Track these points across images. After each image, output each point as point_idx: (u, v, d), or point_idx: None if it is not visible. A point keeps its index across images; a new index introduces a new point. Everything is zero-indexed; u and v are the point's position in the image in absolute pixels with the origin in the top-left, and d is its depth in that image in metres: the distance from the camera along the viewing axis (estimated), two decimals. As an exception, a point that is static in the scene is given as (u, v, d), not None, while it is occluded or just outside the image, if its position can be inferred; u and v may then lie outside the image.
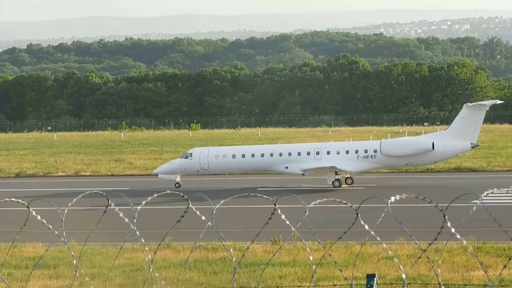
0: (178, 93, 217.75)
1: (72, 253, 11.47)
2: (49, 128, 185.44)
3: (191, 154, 61.44)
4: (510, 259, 11.09)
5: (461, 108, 64.16)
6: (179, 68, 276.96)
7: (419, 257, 12.55)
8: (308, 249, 17.00)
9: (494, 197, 46.18)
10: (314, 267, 20.69)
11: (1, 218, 43.71)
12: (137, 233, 11.07)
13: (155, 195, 12.13)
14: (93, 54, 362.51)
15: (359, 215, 10.03)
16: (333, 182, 58.36)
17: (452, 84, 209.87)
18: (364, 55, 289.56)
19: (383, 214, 10.19)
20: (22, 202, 10.97)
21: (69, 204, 11.78)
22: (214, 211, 10.72)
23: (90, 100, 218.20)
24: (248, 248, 13.17)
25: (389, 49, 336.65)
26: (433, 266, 14.44)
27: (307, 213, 10.20)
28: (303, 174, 59.60)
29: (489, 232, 31.20)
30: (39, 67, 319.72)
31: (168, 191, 11.92)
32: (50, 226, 11.13)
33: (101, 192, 11.44)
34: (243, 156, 60.71)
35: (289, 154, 60.18)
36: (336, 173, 58.41)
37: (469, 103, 61.27)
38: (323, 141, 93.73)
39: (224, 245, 28.44)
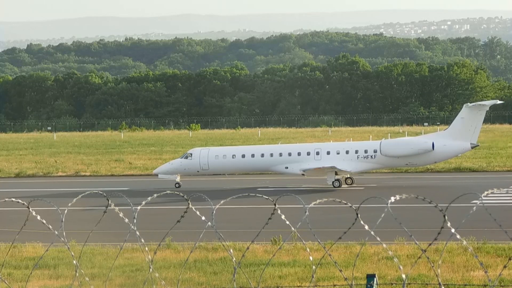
0: (178, 93, 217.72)
1: (72, 253, 11.47)
2: (49, 128, 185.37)
3: (191, 154, 61.42)
4: (510, 259, 11.10)
5: (461, 108, 64.12)
6: (179, 68, 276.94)
7: (419, 257, 12.55)
8: (308, 249, 17.00)
9: (494, 197, 46.16)
10: (314, 267, 20.69)
11: (1, 218, 43.69)
12: (137, 233, 11.07)
13: (155, 195, 12.14)
14: (93, 54, 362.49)
15: (359, 215, 10.03)
16: (333, 182, 58.34)
17: (452, 84, 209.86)
18: (364, 55, 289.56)
19: (383, 214, 10.19)
20: (22, 202, 10.98)
21: (69, 204, 11.79)
22: (214, 211, 10.72)
23: (90, 100, 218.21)
24: (248, 248, 13.18)
25: (389, 49, 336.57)
26: (433, 266, 14.43)
27: (307, 213, 10.20)
28: (303, 174, 59.58)
29: (489, 232, 31.19)
30: (39, 67, 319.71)
31: (168, 191, 11.94)
32: (50, 226, 11.13)
33: (101, 192, 11.44)
34: (243, 156, 60.69)
35: (289, 154, 60.16)
36: (336, 173, 58.39)
37: (469, 103, 61.23)
38: (323, 141, 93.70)
39: (224, 245, 28.43)
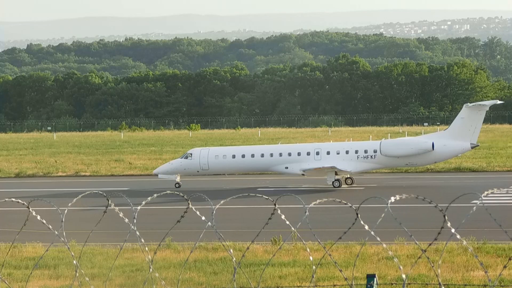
0: (178, 93, 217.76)
1: (72, 253, 11.47)
2: (49, 128, 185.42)
3: (191, 154, 61.41)
4: (510, 259, 11.10)
5: (461, 108, 64.12)
6: (179, 68, 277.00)
7: (419, 257, 12.56)
8: (308, 249, 17.01)
9: (494, 197, 46.16)
10: (314, 267, 20.70)
11: (1, 218, 43.69)
12: (137, 233, 11.08)
13: (155, 195, 12.14)
14: (93, 54, 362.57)
15: (359, 215, 10.03)
16: (333, 182, 58.33)
17: (452, 84, 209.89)
18: (364, 55, 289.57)
19: (383, 214, 10.19)
20: (22, 202, 10.98)
21: (69, 204, 11.79)
22: (214, 211, 10.73)
23: (90, 100, 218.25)
24: (248, 248, 13.18)
25: (389, 49, 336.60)
26: (433, 266, 14.44)
27: (307, 213, 10.21)
28: (303, 174, 59.56)
29: (489, 232, 31.19)
30: (39, 67, 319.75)
31: (168, 191, 11.94)
32: (50, 226, 11.14)
33: (101, 192, 11.45)
34: (243, 156, 60.67)
35: (289, 154, 60.14)
36: (336, 173, 58.38)
37: (469, 103, 61.21)
38: (323, 141, 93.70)
39: (224, 245, 28.43)
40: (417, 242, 10.71)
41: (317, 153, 59.89)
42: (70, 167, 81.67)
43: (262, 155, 60.52)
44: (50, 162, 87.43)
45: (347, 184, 59.88)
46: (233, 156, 60.72)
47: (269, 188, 58.65)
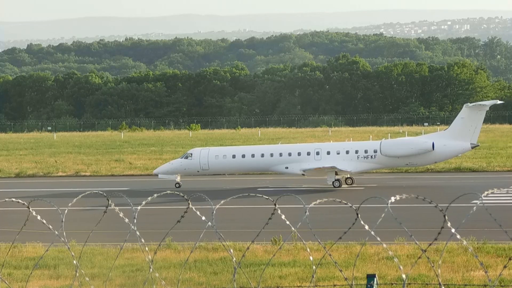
0: (178, 93, 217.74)
1: (72, 253, 11.47)
2: (49, 128, 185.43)
3: (191, 154, 61.43)
4: (510, 259, 11.10)
5: (461, 108, 64.13)
6: (179, 68, 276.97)
7: (419, 257, 12.55)
8: (308, 249, 17.00)
9: (494, 197, 46.17)
10: (314, 267, 20.67)
11: (1, 218, 43.69)
12: (137, 233, 11.08)
13: (155, 195, 12.14)
14: (93, 54, 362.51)
15: (359, 215, 10.04)
16: (333, 182, 58.34)
17: (452, 84, 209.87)
18: (364, 55, 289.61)
19: (383, 214, 10.19)
20: (22, 202, 10.98)
21: (69, 204, 11.80)
22: (214, 211, 10.73)
23: (90, 100, 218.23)
24: (248, 248, 13.18)
25: (389, 49, 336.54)
26: (433, 266, 14.44)
27: (307, 213, 10.21)
28: (303, 174, 59.57)
29: (489, 232, 31.19)
30: (39, 67, 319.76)
31: (168, 191, 11.94)
32: (50, 226, 11.14)
33: (101, 192, 11.45)
34: (243, 156, 60.68)
35: (289, 154, 60.15)
36: (336, 173, 58.39)
37: (469, 103, 61.21)
38: (323, 141, 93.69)
39: (224, 245, 28.43)
40: (417, 242, 10.71)
41: (317, 153, 59.90)
42: (70, 167, 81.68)
43: (262, 155, 60.53)
44: (50, 162, 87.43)
45: (347, 184, 59.89)
46: (233, 156, 60.73)
47: (269, 188, 58.66)
